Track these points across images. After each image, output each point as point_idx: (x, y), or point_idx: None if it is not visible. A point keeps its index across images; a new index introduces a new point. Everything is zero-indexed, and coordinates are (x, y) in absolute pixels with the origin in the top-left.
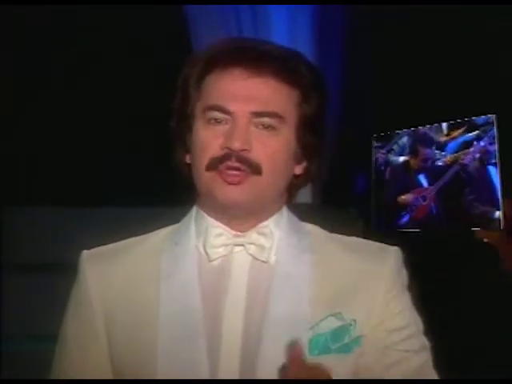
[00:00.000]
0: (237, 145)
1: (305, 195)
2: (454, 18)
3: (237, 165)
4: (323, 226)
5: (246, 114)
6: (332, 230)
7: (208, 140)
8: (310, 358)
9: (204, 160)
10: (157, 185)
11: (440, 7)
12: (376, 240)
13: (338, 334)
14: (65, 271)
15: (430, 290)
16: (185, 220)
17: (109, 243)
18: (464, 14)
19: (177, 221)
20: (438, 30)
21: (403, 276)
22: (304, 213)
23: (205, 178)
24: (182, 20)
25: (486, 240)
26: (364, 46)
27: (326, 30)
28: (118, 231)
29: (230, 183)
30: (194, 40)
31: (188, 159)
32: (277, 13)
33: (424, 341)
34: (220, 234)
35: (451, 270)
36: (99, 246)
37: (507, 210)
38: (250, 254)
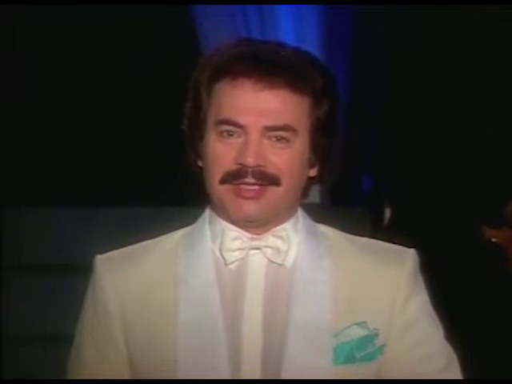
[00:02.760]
0: (250, 161)
1: (313, 196)
2: (461, 18)
3: (253, 181)
4: (332, 226)
5: (258, 128)
6: (340, 230)
7: (221, 153)
8: (335, 366)
9: (217, 173)
10: (158, 185)
11: (448, 7)
12: (384, 240)
13: (363, 342)
14: (65, 272)
15: (438, 290)
16: (199, 223)
17: (110, 244)
18: (472, 15)
19: (184, 222)
20: (446, 29)
21: (420, 278)
22: (313, 213)
23: (218, 191)
24: (189, 20)
25: (493, 240)
26: (372, 46)
27: (333, 29)
28: (119, 232)
29: (246, 198)
30: (201, 40)
31: (200, 163)
32: (284, 12)
33: (447, 349)
34: (236, 238)
35: (459, 270)
36: (100, 246)
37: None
38: (267, 258)
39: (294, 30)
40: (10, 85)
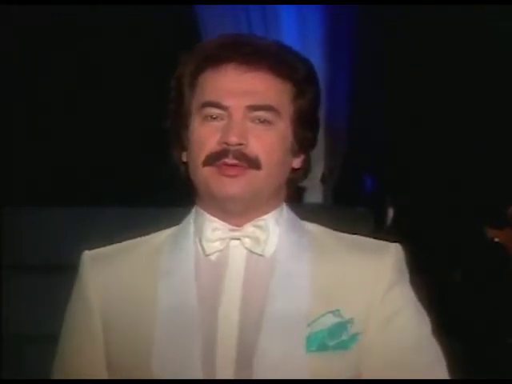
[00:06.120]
0: (233, 139)
1: (316, 195)
2: (461, 18)
3: (234, 162)
4: (334, 226)
5: (241, 109)
6: (342, 230)
7: (205, 136)
8: (308, 354)
9: (201, 156)
10: (158, 184)
11: (449, 7)
12: (385, 239)
13: (335, 330)
14: (65, 272)
15: (440, 289)
16: (184, 221)
17: (110, 244)
18: (472, 15)
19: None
20: (447, 29)
21: (405, 273)
22: (314, 213)
23: (202, 174)
24: (192, 20)
25: (496, 240)
26: (373, 46)
27: (335, 29)
28: (119, 231)
29: (227, 176)
30: (204, 40)
31: (185, 157)
32: (287, 12)
33: (433, 342)
34: (216, 228)
35: (462, 269)
36: (100, 246)
37: None
38: (246, 248)
39: (297, 29)
40: (11, 85)
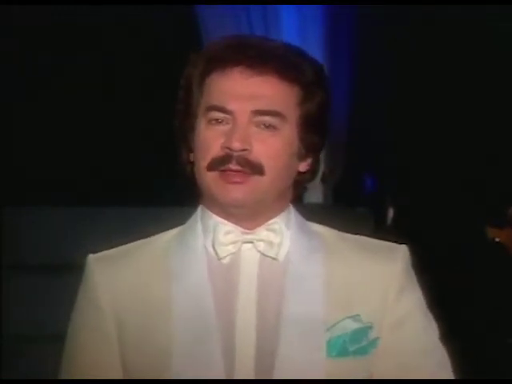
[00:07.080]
0: (237, 144)
1: (316, 195)
2: (461, 18)
3: (237, 168)
4: (334, 226)
5: (246, 113)
6: (342, 230)
7: (209, 140)
8: (329, 359)
9: (205, 160)
10: (158, 184)
11: (449, 7)
12: (386, 240)
13: (356, 336)
14: (65, 272)
15: (441, 290)
16: (190, 220)
17: (110, 244)
18: (473, 15)
19: (184, 222)
20: (446, 29)
21: (413, 275)
22: (315, 213)
23: (206, 178)
24: (192, 20)
25: (497, 239)
26: (373, 46)
27: (336, 29)
28: (119, 231)
29: (231, 183)
30: (204, 40)
31: (191, 158)
32: (287, 13)
33: (439, 346)
34: (229, 232)
35: (462, 269)
36: (100, 246)
37: None
38: (259, 251)
39: (297, 29)
40: (11, 84)
